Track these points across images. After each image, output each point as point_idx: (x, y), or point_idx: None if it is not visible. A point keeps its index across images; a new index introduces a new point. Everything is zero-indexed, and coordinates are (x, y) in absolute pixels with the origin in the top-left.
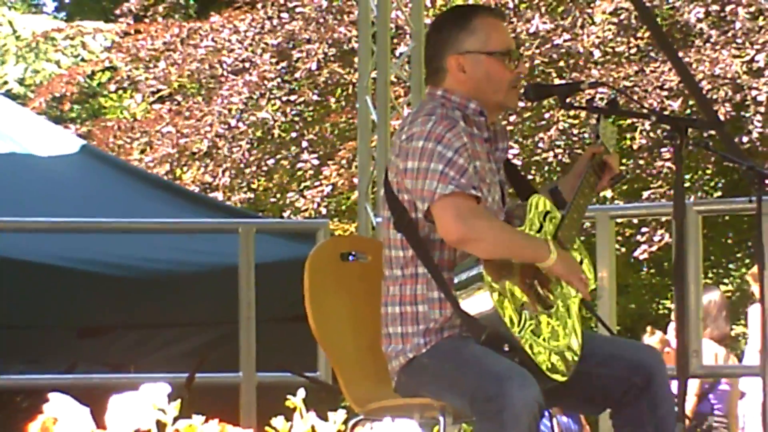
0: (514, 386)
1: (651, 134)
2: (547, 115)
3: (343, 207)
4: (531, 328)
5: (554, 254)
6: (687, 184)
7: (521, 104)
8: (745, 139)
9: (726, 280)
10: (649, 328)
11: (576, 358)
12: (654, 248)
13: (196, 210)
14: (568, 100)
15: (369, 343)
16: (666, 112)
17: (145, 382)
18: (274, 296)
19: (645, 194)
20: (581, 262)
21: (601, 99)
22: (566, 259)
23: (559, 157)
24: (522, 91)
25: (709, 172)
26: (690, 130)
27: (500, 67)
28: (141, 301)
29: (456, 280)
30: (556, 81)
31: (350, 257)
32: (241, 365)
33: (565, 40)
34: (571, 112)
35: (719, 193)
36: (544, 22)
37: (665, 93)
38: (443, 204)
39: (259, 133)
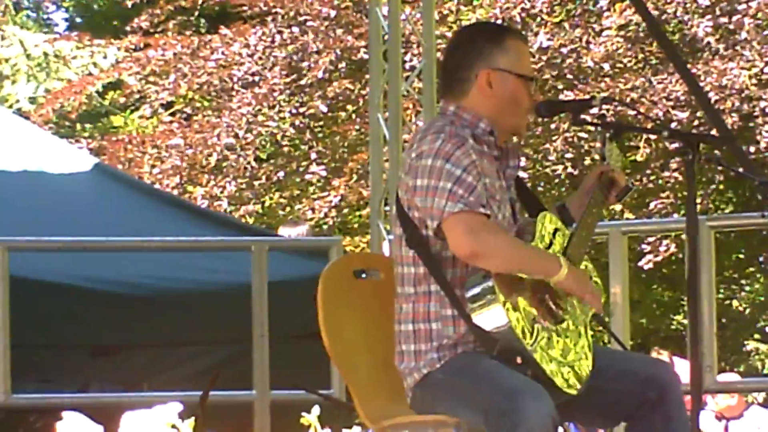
0: (528, 401)
1: (658, 144)
2: (552, 126)
3: (356, 223)
4: (543, 342)
5: (565, 269)
6: (698, 199)
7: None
8: (752, 149)
9: (738, 295)
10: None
11: (588, 372)
12: (659, 258)
13: (210, 227)
14: (581, 116)
15: (382, 360)
16: (673, 123)
17: (158, 401)
18: (287, 314)
19: (652, 205)
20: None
21: (610, 113)
22: (576, 275)
23: (568, 169)
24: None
25: (720, 186)
26: (702, 145)
27: (524, 91)
28: (154, 319)
29: (468, 295)
30: (565, 94)
31: (363, 274)
32: (254, 383)
33: (571, 51)
34: None
35: (731, 207)
36: (549, 39)
37: (671, 103)
38: (454, 220)
39: (268, 146)
